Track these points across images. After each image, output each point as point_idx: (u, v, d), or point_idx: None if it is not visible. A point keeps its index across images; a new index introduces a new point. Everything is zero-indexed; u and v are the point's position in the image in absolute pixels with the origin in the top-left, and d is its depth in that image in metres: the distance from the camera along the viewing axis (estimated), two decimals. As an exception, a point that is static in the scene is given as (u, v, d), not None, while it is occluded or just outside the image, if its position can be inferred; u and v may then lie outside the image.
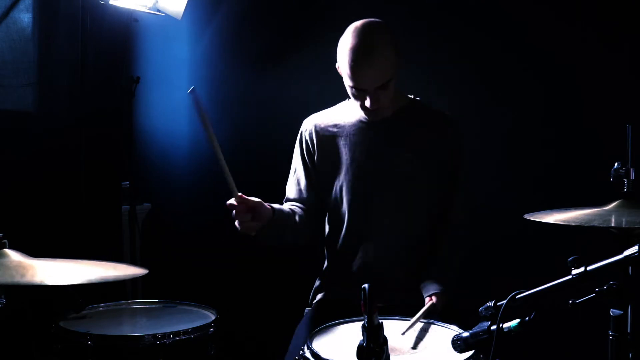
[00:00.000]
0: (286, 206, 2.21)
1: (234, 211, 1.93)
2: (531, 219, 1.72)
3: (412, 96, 2.24)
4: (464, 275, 2.15)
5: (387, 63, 2.01)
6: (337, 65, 2.11)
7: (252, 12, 3.21)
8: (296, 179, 2.27)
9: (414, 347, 1.68)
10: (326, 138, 2.22)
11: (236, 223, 1.95)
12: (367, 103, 2.05)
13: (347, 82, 2.07)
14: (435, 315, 1.89)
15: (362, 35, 2.01)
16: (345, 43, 2.03)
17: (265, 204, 2.00)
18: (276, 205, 2.09)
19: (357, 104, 2.13)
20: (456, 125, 2.19)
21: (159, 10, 2.73)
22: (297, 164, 2.29)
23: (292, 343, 2.01)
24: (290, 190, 2.27)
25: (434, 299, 1.96)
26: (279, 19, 3.19)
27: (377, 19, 2.08)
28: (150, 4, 2.69)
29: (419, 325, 1.81)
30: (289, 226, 2.13)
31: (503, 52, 2.86)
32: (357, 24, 2.05)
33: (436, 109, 2.22)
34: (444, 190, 2.16)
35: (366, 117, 2.16)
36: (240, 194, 1.92)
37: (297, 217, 2.17)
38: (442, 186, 2.16)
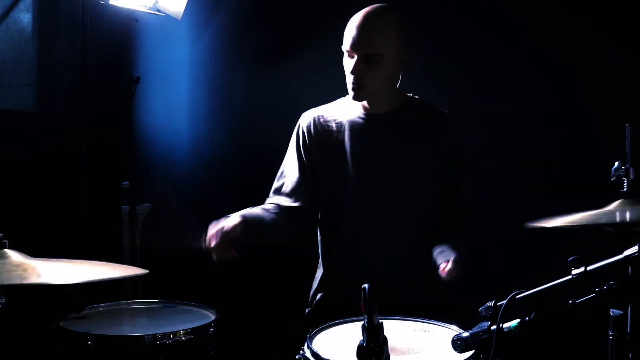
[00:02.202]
0: (263, 205, 2.22)
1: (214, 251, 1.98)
2: (534, 225, 1.70)
3: (411, 94, 2.24)
4: (464, 275, 2.15)
5: (382, 34, 2.03)
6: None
7: (252, 12, 3.20)
8: (287, 173, 2.26)
9: (414, 347, 1.68)
10: (324, 132, 2.22)
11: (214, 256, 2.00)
12: (351, 69, 2.05)
13: (343, 47, 2.09)
14: (449, 291, 1.86)
15: (370, 7, 2.08)
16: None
17: (232, 219, 2.02)
18: (243, 212, 2.10)
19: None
20: (454, 122, 2.19)
21: (159, 10, 2.73)
22: (291, 157, 2.27)
23: (291, 342, 2.01)
24: (279, 183, 2.27)
25: (450, 264, 1.88)
26: (279, 19, 3.19)
27: (396, 7, 2.12)
28: (150, 4, 2.69)
29: (419, 325, 1.81)
30: (262, 231, 2.13)
31: (503, 52, 2.86)
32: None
33: (434, 106, 2.22)
34: (445, 188, 2.16)
35: (365, 112, 2.17)
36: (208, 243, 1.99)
37: (270, 216, 2.17)
38: (443, 184, 2.16)
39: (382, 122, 2.16)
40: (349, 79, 2.08)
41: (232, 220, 2.02)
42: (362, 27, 2.03)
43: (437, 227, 2.17)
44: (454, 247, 1.97)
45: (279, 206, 2.22)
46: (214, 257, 1.99)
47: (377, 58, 2.04)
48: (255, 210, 2.16)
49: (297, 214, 2.21)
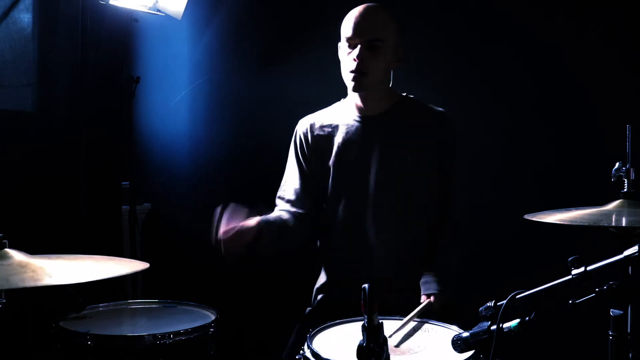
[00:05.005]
0: (275, 212, 2.21)
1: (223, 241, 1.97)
2: (531, 219, 1.72)
3: (405, 94, 2.24)
4: (464, 275, 2.15)
5: (380, 20, 2.10)
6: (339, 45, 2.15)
7: (252, 12, 3.21)
8: (289, 180, 2.27)
9: (414, 347, 1.68)
10: (321, 137, 2.22)
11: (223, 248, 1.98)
12: (354, 57, 2.07)
13: (342, 40, 2.12)
14: (433, 315, 1.89)
15: (367, 3, 2.14)
16: None
17: (248, 223, 2.00)
18: (260, 218, 2.07)
19: (352, 102, 2.16)
20: (449, 120, 2.19)
21: (159, 10, 2.73)
22: (291, 164, 2.28)
23: (291, 340, 2.01)
24: (282, 191, 2.28)
25: (432, 298, 1.96)
26: (279, 19, 3.19)
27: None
28: (150, 4, 2.69)
29: (420, 325, 1.81)
30: (276, 236, 2.11)
31: (503, 51, 2.86)
32: None
33: (429, 105, 2.22)
34: (442, 187, 2.16)
35: (359, 114, 2.17)
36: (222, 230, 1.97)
37: (284, 224, 2.16)
38: (440, 183, 2.16)
39: (376, 123, 2.16)
40: (350, 67, 2.09)
41: (250, 222, 2.00)
42: (364, 15, 2.09)
43: (435, 227, 2.17)
44: (439, 276, 2.03)
45: (288, 212, 2.22)
46: (223, 250, 1.97)
47: (380, 44, 2.08)
48: (272, 216, 2.15)
49: (301, 220, 2.21)
